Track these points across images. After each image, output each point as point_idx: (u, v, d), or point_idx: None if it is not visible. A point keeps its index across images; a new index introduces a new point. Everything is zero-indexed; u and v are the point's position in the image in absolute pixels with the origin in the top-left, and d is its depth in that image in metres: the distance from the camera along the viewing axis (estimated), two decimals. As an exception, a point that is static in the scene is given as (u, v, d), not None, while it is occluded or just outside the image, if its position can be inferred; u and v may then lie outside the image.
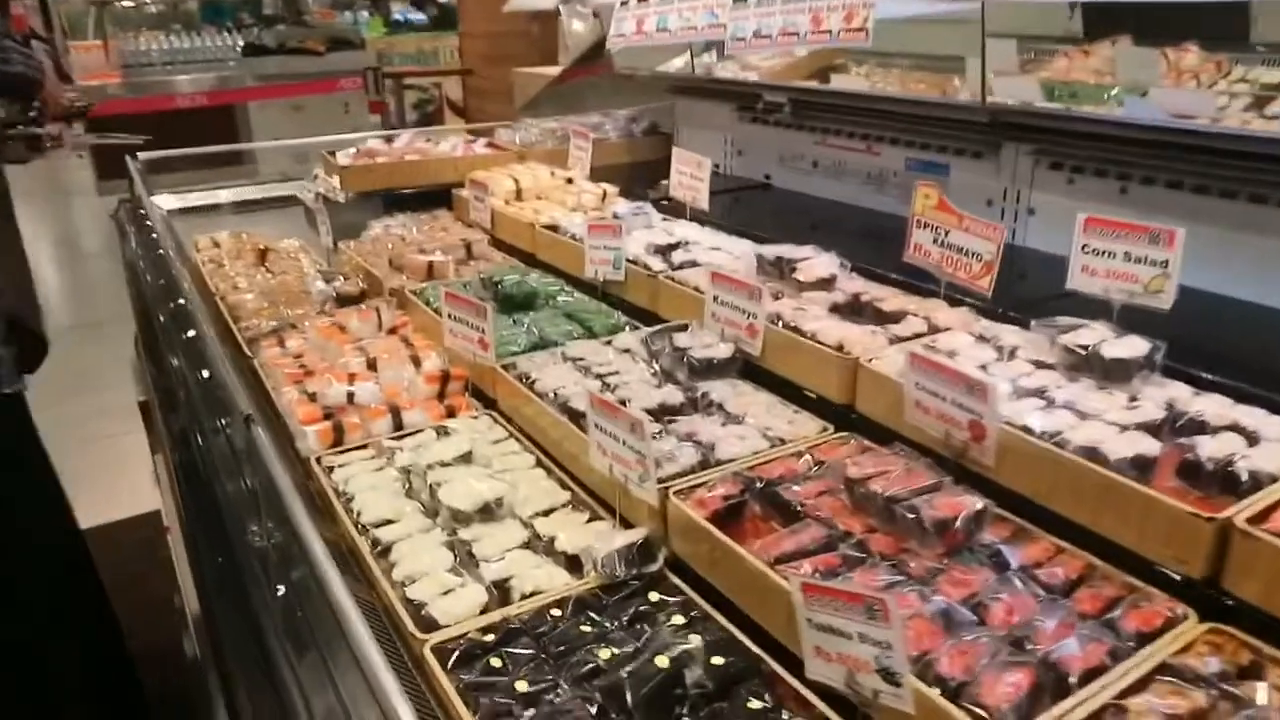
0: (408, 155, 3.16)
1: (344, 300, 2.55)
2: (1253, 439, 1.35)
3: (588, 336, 2.04)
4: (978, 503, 1.30)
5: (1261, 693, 1.01)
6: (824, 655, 1.03)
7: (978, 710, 0.97)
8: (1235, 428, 1.38)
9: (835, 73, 3.37)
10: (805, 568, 1.23)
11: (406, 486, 1.61)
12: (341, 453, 1.74)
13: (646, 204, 2.54)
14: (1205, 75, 2.85)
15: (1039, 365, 1.62)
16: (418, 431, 1.80)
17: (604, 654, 1.16)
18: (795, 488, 1.42)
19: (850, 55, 3.50)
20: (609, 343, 2.00)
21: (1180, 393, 1.50)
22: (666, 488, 1.40)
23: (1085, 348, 1.56)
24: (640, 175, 3.20)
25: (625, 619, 1.26)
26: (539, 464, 1.68)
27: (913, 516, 1.27)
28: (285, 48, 7.27)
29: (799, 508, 1.37)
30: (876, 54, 3.55)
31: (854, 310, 1.89)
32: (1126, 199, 2.08)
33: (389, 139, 3.39)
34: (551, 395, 1.74)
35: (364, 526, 1.50)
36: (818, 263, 1.99)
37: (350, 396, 1.83)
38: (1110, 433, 1.39)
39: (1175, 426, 1.41)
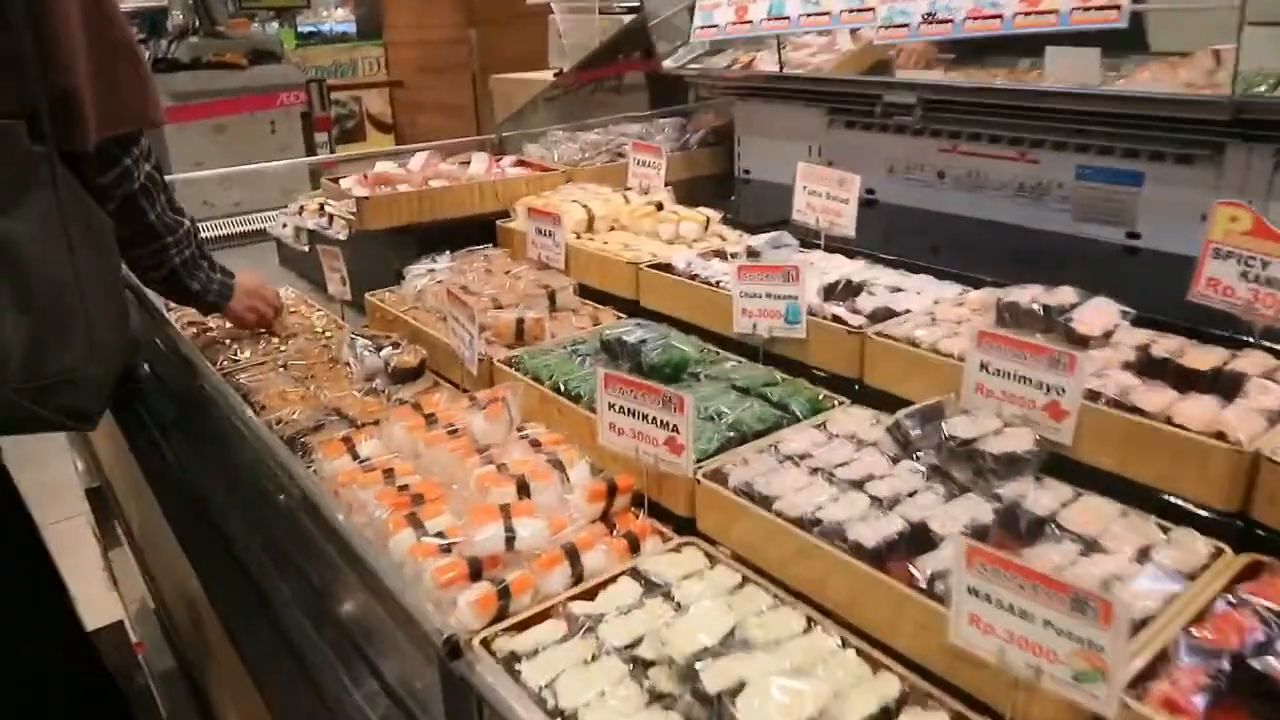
0: (431, 180, 2.60)
1: (400, 375, 1.99)
2: None
3: (786, 419, 1.55)
4: None
5: None
6: None
7: None
8: None
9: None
10: None
11: (646, 686, 1.09)
12: (514, 629, 1.21)
13: (784, 233, 2.05)
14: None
15: None
16: (608, 582, 1.27)
17: None
18: (1272, 660, 0.96)
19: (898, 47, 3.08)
20: (822, 427, 1.51)
21: None
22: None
23: None
24: (699, 195, 2.70)
25: None
26: (815, 626, 1.18)
27: None
28: (202, 62, 6.50)
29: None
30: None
31: (1150, 370, 1.44)
32: None
33: (398, 160, 2.82)
34: (812, 521, 1.24)
35: (623, 772, 0.98)
36: (1092, 309, 1.54)
37: (510, 541, 1.29)
38: None
39: None
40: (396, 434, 1.62)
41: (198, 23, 7.12)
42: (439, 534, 1.35)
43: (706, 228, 2.22)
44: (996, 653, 0.97)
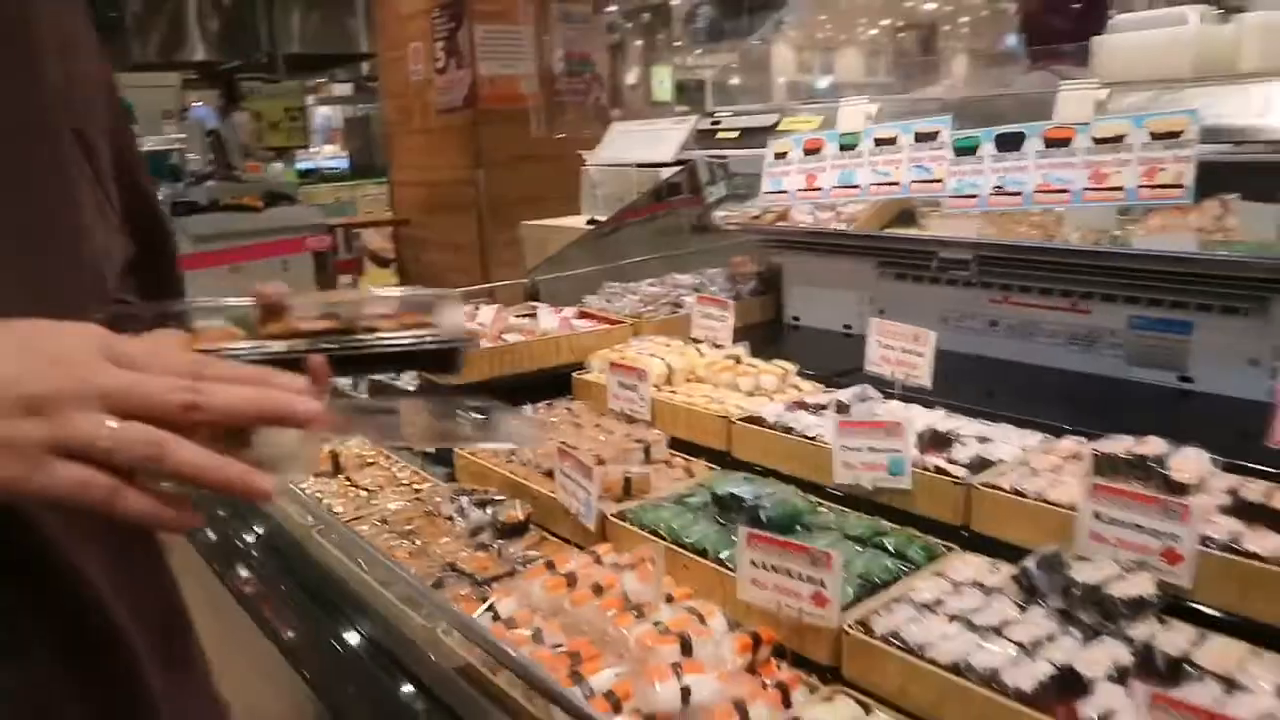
0: (505, 334, 2.75)
1: (505, 530, 2.09)
2: None
3: (906, 566, 1.66)
4: None
5: None
6: None
7: None
8: None
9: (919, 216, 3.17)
10: None
11: (845, 834, 1.17)
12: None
13: (868, 386, 2.20)
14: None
15: None
16: (776, 733, 1.36)
17: None
18: None
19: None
20: (943, 575, 1.62)
21: None
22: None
23: None
24: (750, 342, 2.85)
25: None
26: (985, 772, 1.27)
27: None
28: (220, 205, 6.73)
29: None
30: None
31: (1248, 514, 1.58)
32: None
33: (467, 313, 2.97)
34: (966, 667, 1.34)
35: None
36: (1182, 457, 1.68)
37: (686, 696, 1.38)
38: None
39: None
40: (535, 592, 1.71)
41: (214, 166, 7.40)
42: (607, 693, 1.44)
43: (784, 379, 2.37)
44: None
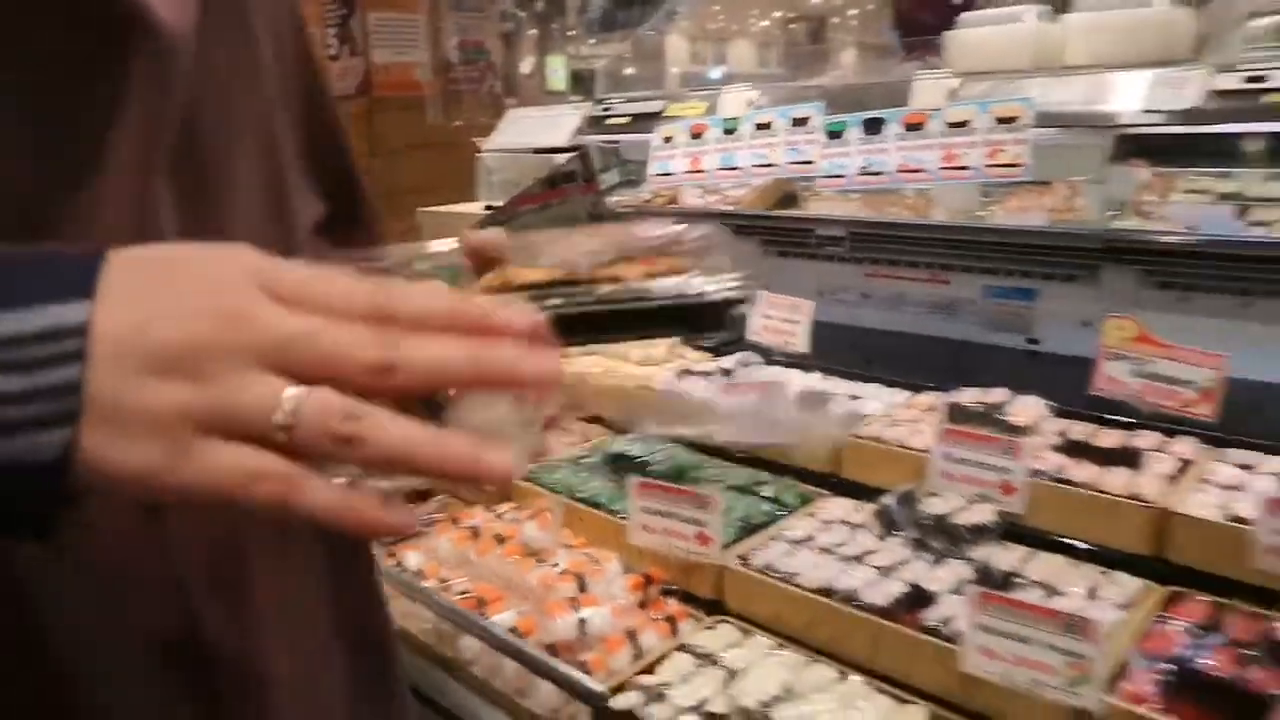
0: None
1: (414, 495, 2.20)
2: None
3: (782, 510, 1.83)
4: None
5: None
6: None
7: None
8: None
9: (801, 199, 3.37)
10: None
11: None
12: (599, 698, 1.43)
13: (750, 353, 2.37)
14: (1158, 189, 3.05)
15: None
16: (662, 659, 1.51)
17: None
18: (1205, 660, 1.29)
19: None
20: (814, 515, 1.80)
21: None
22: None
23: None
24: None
25: None
26: (846, 676, 1.44)
27: None
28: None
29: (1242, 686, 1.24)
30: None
31: (1073, 451, 1.80)
32: (1252, 312, 2.12)
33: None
34: (830, 590, 1.52)
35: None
36: (1020, 404, 1.90)
37: (582, 625, 1.52)
38: None
39: None
40: (443, 546, 1.83)
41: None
42: (512, 629, 1.57)
43: (672, 350, 2.53)
44: (1003, 674, 1.26)
